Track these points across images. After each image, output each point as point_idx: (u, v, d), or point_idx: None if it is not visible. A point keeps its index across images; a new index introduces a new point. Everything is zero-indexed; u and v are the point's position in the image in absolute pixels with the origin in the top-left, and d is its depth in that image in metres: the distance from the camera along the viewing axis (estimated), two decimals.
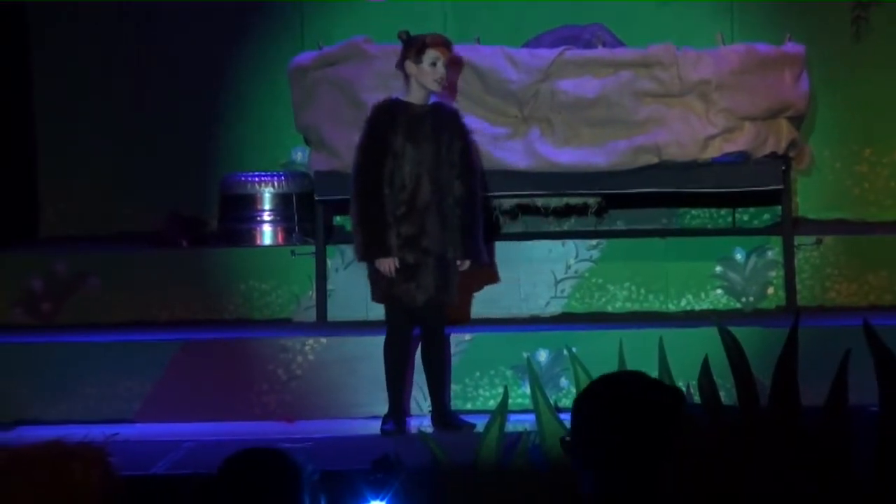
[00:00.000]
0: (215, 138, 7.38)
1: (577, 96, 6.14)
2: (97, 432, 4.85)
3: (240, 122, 7.39)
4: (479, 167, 5.66)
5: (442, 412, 5.53)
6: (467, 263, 5.50)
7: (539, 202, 6.39)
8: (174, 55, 7.35)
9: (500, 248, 6.43)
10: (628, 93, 6.14)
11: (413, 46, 5.46)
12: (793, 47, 6.32)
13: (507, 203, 6.42)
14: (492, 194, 6.31)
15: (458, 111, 5.68)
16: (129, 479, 4.53)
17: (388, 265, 5.41)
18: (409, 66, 5.47)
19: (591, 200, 6.41)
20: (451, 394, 5.91)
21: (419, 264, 5.42)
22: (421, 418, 5.66)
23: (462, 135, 5.54)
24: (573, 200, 6.38)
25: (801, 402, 4.22)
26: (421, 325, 5.53)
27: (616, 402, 2.60)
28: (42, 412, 5.86)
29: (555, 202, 6.40)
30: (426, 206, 5.44)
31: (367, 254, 5.46)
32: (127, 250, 6.71)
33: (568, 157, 6.16)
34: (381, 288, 5.47)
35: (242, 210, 6.73)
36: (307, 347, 5.96)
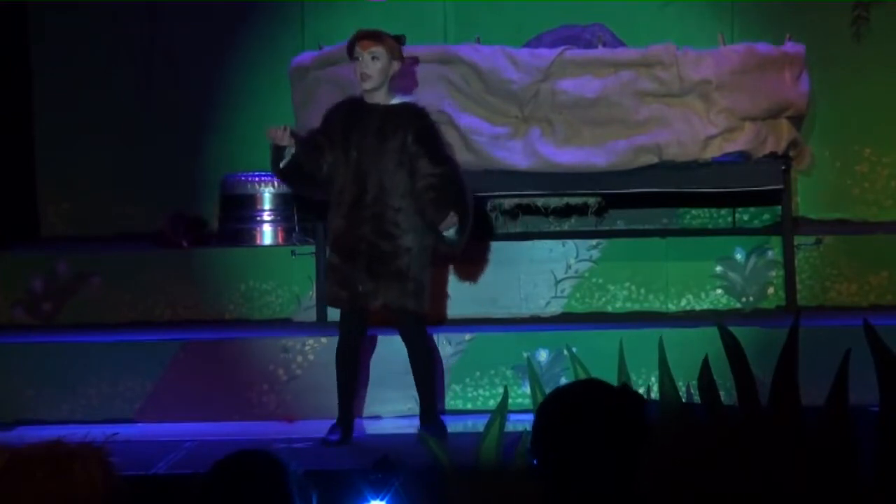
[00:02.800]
0: (216, 138, 7.38)
1: (578, 96, 6.14)
2: (98, 432, 4.84)
3: (240, 121, 7.40)
4: (446, 158, 5.34)
5: (425, 413, 5.40)
6: (443, 226, 5.15)
7: (539, 202, 6.39)
8: (175, 55, 7.36)
9: (500, 247, 6.43)
10: (629, 93, 6.15)
11: (347, 47, 5.39)
12: (793, 47, 6.33)
13: (508, 203, 6.43)
14: (492, 194, 6.31)
15: (418, 110, 5.38)
16: (129, 478, 4.53)
17: (277, 134, 5.24)
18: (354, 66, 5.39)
19: (591, 200, 6.41)
20: (452, 394, 5.92)
21: (343, 265, 5.27)
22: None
23: (419, 135, 5.29)
24: (573, 200, 6.39)
25: (801, 401, 4.22)
26: (398, 331, 5.41)
27: (575, 411, 2.60)
28: (43, 412, 5.86)
29: (555, 202, 6.40)
30: (354, 207, 5.27)
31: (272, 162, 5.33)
32: (127, 250, 6.71)
33: (568, 156, 6.17)
34: (328, 293, 5.39)
35: (243, 210, 6.74)
36: (307, 347, 5.96)
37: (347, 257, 5.27)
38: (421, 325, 5.37)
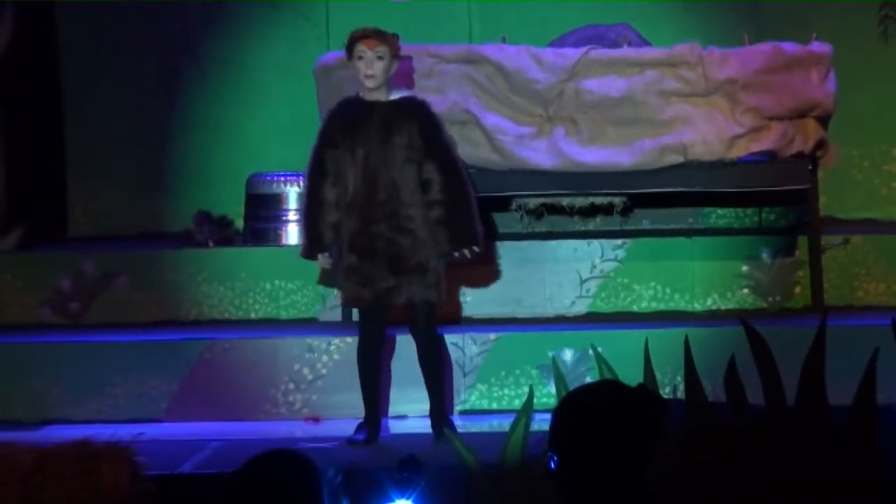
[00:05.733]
0: (242, 137, 7.40)
1: (603, 96, 6.13)
2: (124, 431, 4.87)
3: (266, 121, 7.42)
4: (453, 157, 5.41)
5: (437, 410, 5.41)
6: (465, 252, 5.33)
7: (564, 202, 6.38)
8: (202, 55, 7.39)
9: (525, 247, 6.42)
10: (654, 92, 6.13)
11: (346, 46, 5.41)
12: (819, 47, 6.30)
13: (533, 202, 6.42)
14: (517, 194, 6.31)
15: (422, 105, 5.43)
16: (156, 477, 4.56)
17: (322, 262, 5.41)
18: (351, 66, 5.42)
19: (616, 200, 6.39)
20: (477, 393, 5.92)
21: (362, 265, 5.29)
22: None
23: (425, 129, 5.33)
24: (598, 200, 6.37)
25: (828, 401, 4.20)
26: (410, 326, 5.44)
27: (591, 412, 2.60)
28: (70, 411, 5.89)
29: (580, 202, 6.39)
30: (367, 206, 5.29)
31: (304, 252, 5.47)
32: (154, 250, 6.74)
33: (593, 156, 6.16)
34: (341, 293, 5.42)
35: (268, 209, 6.75)
36: (333, 347, 5.97)
37: (365, 256, 5.29)
38: (435, 317, 5.42)
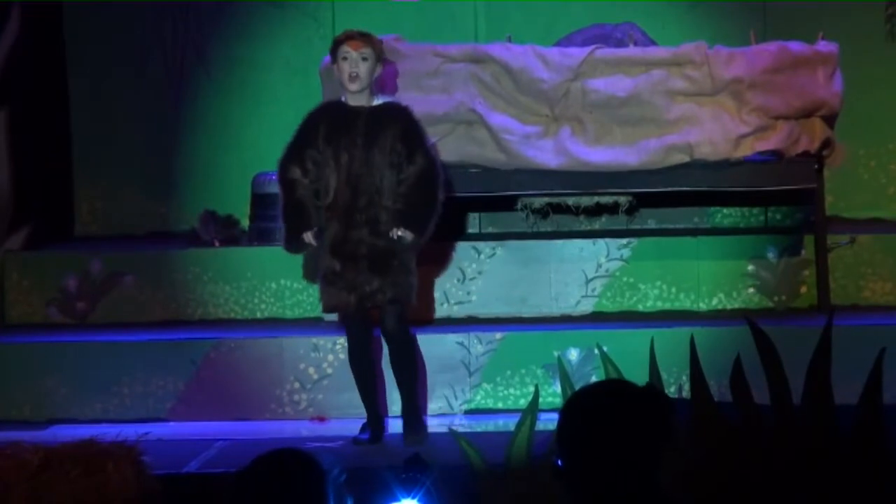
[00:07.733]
0: (247, 137, 7.41)
1: (609, 95, 6.13)
2: (130, 431, 4.88)
3: (272, 120, 7.42)
4: (432, 163, 5.35)
5: (410, 413, 5.38)
6: (399, 232, 5.25)
7: (570, 201, 6.38)
8: (208, 54, 7.40)
9: (531, 246, 6.43)
10: (660, 91, 6.13)
11: (331, 49, 5.38)
12: (826, 46, 6.29)
13: (538, 202, 6.42)
14: (522, 193, 6.31)
15: (404, 110, 5.39)
16: (161, 477, 4.57)
17: (307, 238, 5.36)
18: (334, 68, 5.39)
19: (622, 199, 6.39)
20: (483, 393, 5.92)
21: (345, 270, 5.28)
22: (451, 416, 5.66)
23: (407, 135, 5.31)
24: (604, 199, 6.37)
25: (834, 400, 4.20)
26: (380, 326, 5.40)
27: (599, 411, 2.60)
28: (76, 411, 5.90)
29: (586, 201, 6.39)
30: (349, 211, 5.28)
31: (288, 245, 5.47)
32: (160, 249, 6.75)
33: (599, 155, 6.16)
34: (322, 299, 5.41)
35: (274, 209, 6.73)
36: (338, 346, 5.98)
37: (349, 261, 5.30)
38: (407, 317, 5.41)
